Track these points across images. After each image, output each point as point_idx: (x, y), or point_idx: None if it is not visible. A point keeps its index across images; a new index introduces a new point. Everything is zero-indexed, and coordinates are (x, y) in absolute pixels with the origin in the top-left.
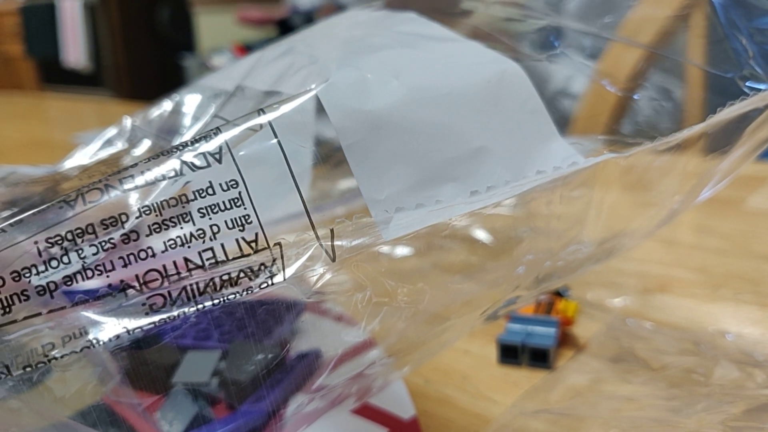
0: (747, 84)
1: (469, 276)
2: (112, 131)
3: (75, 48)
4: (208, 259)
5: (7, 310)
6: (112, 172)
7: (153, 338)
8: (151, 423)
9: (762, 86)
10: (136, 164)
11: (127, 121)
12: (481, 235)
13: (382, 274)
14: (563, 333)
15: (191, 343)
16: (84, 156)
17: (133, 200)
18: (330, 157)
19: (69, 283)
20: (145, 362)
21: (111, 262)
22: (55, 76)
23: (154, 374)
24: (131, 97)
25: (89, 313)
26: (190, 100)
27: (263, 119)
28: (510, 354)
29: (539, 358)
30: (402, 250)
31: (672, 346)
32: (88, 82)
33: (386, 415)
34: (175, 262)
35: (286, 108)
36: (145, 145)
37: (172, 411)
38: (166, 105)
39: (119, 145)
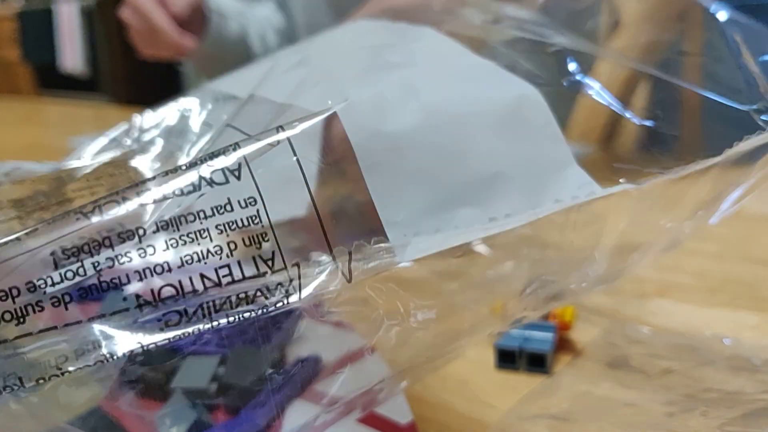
0: (762, 117)
1: (480, 298)
2: (121, 127)
3: (72, 53)
4: (224, 276)
5: (22, 320)
6: (122, 177)
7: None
8: (150, 428)
9: None
10: (153, 177)
11: (136, 120)
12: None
13: (395, 296)
14: (561, 338)
15: (190, 348)
16: (88, 154)
17: (150, 214)
18: None
19: (84, 295)
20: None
21: (126, 275)
22: (52, 81)
23: (154, 379)
24: (128, 102)
25: (104, 327)
26: (200, 104)
27: (282, 136)
28: (507, 359)
29: (537, 362)
30: (417, 272)
31: (669, 351)
32: (86, 87)
33: (384, 421)
34: (191, 279)
35: (305, 125)
36: (159, 145)
37: (171, 416)
38: (176, 107)
39: (126, 144)
